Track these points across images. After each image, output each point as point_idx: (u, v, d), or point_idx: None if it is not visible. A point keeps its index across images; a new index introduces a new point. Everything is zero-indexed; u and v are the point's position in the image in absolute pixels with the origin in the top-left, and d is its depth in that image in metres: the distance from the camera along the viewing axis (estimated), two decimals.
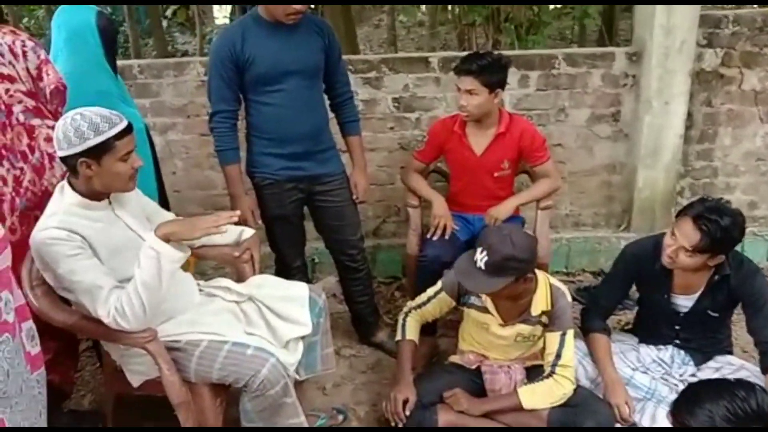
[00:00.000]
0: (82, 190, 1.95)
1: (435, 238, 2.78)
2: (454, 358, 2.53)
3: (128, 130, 1.91)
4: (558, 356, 2.29)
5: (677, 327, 2.45)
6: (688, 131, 3.47)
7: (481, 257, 2.10)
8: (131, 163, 1.95)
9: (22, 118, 2.08)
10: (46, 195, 2.09)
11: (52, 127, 2.12)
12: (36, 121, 2.11)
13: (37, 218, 2.06)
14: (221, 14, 12.58)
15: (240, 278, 2.42)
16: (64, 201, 1.94)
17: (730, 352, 2.49)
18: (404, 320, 2.52)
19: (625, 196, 3.63)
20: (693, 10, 3.20)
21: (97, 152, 1.86)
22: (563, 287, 2.34)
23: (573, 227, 3.68)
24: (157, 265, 1.86)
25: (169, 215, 2.30)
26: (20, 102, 2.08)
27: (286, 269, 2.80)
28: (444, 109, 3.43)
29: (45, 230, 1.86)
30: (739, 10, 3.44)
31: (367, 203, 3.57)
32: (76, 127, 1.84)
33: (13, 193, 2.00)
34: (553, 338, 2.31)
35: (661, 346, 2.49)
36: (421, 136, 3.45)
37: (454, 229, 2.80)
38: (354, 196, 2.78)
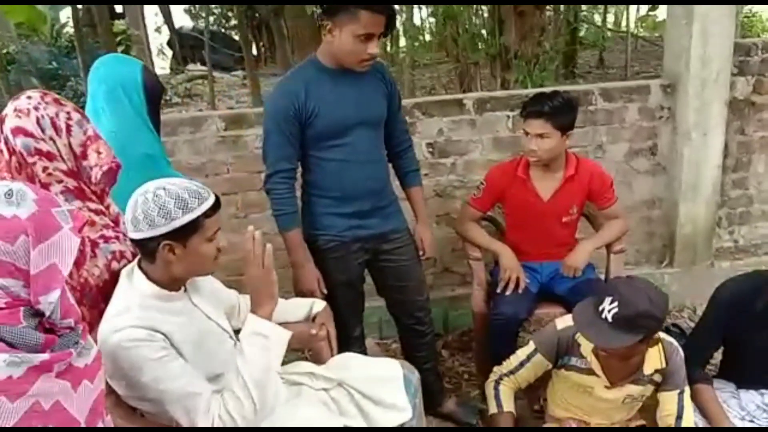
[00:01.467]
0: (157, 277, 1.64)
1: (508, 293, 2.55)
2: (551, 426, 2.30)
3: (217, 205, 1.63)
4: (679, 418, 2.10)
5: None
6: (723, 161, 3.41)
7: (610, 308, 1.88)
8: (216, 244, 1.66)
9: (61, 199, 1.75)
10: (86, 288, 1.74)
11: (95, 211, 1.81)
12: (76, 204, 1.78)
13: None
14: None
15: (316, 359, 2.12)
16: (136, 292, 1.63)
17: None
18: (496, 389, 2.27)
19: (665, 232, 3.52)
20: (728, 39, 3.17)
21: (184, 233, 1.57)
22: (675, 342, 2.16)
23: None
24: (267, 353, 1.60)
25: (230, 291, 2.00)
26: (60, 182, 1.75)
27: (346, 339, 2.50)
28: (480, 152, 3.26)
29: (121, 331, 1.53)
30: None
31: None
32: (161, 205, 1.55)
33: None
34: (670, 398, 2.12)
35: (764, 390, 2.33)
36: (458, 182, 3.29)
37: (525, 281, 2.59)
38: (420, 252, 2.54)
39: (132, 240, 1.63)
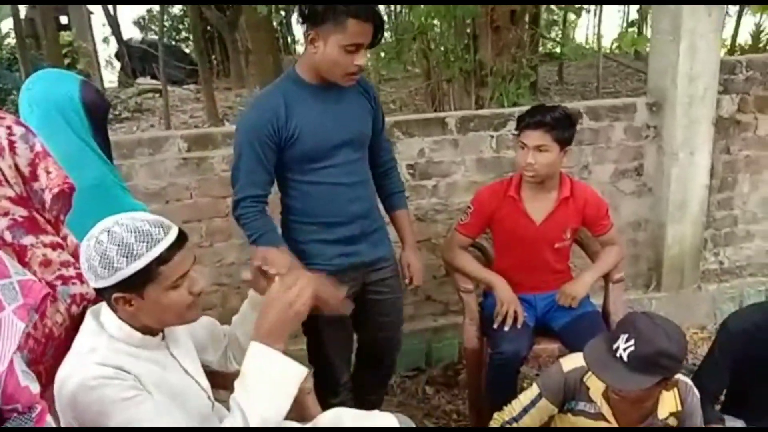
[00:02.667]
0: (130, 322, 1.40)
1: (507, 328, 2.35)
2: None
3: (178, 244, 1.36)
4: None
5: None
6: (709, 181, 3.31)
7: (625, 346, 1.73)
8: (188, 288, 1.40)
9: (8, 236, 1.47)
10: (50, 339, 1.49)
11: (51, 245, 1.54)
12: (28, 240, 1.50)
13: (40, 374, 1.45)
14: None
15: (301, 415, 1.87)
16: (104, 334, 1.38)
17: None
18: None
19: (651, 254, 3.39)
20: (714, 57, 3.08)
21: (135, 283, 1.33)
22: (690, 382, 2.00)
23: (600, 290, 3.37)
24: (278, 390, 1.39)
25: (201, 327, 1.72)
26: (6, 214, 1.47)
27: (333, 387, 2.26)
28: (462, 174, 3.07)
29: (83, 368, 1.30)
30: (752, 55, 3.37)
31: None
32: (102, 253, 1.30)
33: None
34: None
35: None
36: (440, 205, 3.10)
37: (524, 315, 2.40)
38: (406, 280, 2.33)
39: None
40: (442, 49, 4.18)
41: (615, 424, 1.95)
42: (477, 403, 2.53)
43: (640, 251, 3.40)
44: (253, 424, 1.33)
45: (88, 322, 1.42)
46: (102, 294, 1.35)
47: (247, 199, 2.02)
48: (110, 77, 12.66)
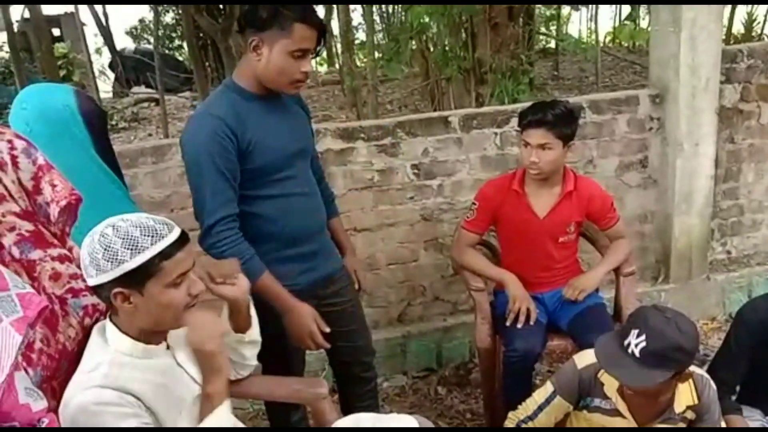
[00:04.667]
0: (126, 329, 1.41)
1: (519, 325, 2.34)
2: None
3: (181, 242, 1.38)
4: None
5: None
6: (714, 171, 3.30)
7: (637, 342, 1.71)
8: (187, 289, 1.40)
9: (16, 252, 1.45)
10: (64, 355, 1.48)
11: (59, 258, 1.52)
12: (36, 254, 1.48)
13: (54, 390, 1.44)
14: None
15: (319, 420, 1.85)
16: (108, 349, 1.39)
17: None
18: None
19: (658, 246, 3.38)
20: (715, 47, 3.07)
21: (137, 278, 1.33)
22: (706, 375, 1.99)
23: (609, 284, 3.36)
24: None
25: None
26: (13, 229, 1.46)
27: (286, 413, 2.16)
28: (467, 172, 3.06)
29: (88, 390, 1.30)
30: (754, 43, 3.36)
31: (387, 286, 3.12)
32: (107, 246, 1.32)
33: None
34: None
35: None
36: (446, 204, 3.08)
37: (536, 311, 2.38)
38: (355, 287, 2.25)
39: (90, 287, 1.39)
40: (440, 47, 4.17)
41: (631, 420, 1.93)
42: (491, 402, 2.52)
43: (648, 243, 3.39)
44: None
45: (93, 339, 1.43)
46: (101, 291, 1.36)
47: (223, 221, 1.82)
48: (104, 87, 12.63)
